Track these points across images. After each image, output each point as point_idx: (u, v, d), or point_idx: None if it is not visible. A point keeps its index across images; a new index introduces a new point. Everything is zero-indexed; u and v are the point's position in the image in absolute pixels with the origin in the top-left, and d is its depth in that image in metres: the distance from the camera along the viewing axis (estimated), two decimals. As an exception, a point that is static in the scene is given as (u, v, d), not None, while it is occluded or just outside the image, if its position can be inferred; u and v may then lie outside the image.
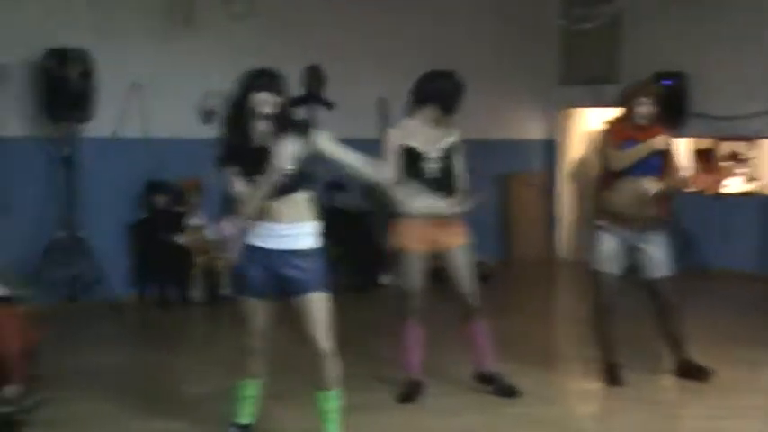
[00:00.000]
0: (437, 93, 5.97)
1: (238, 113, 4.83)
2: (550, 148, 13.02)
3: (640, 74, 11.40)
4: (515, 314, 8.99)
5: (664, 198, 6.37)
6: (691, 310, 7.27)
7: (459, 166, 6.10)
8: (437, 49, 11.08)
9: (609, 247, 6.39)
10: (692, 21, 11.27)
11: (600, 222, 6.44)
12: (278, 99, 4.79)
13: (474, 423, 5.70)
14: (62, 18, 8.93)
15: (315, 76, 10.47)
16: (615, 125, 6.44)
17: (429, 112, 5.97)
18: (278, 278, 4.87)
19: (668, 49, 11.29)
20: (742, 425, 5.70)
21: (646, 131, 6.32)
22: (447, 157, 6.01)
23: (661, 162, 6.34)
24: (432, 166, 5.94)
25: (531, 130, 12.93)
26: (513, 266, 12.13)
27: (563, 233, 13.03)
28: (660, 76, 11.18)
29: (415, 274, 6.00)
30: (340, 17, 10.80)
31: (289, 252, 4.83)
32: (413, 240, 5.95)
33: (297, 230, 4.84)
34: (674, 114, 11.19)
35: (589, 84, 12.13)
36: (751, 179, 11.56)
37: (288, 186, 4.76)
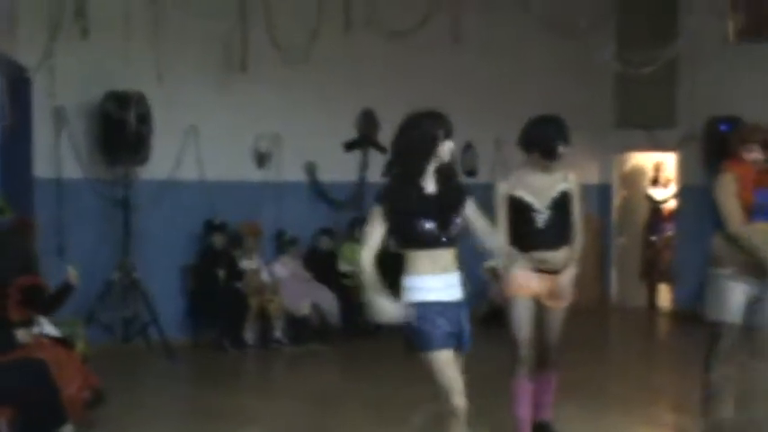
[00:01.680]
0: (537, 138, 5.83)
1: (420, 157, 4.67)
2: (605, 193, 13.03)
3: (697, 118, 11.49)
4: (573, 360, 8.93)
5: None
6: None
7: (575, 213, 5.89)
8: (491, 93, 11.18)
9: (736, 296, 5.88)
10: (748, 65, 11.23)
11: (725, 270, 5.91)
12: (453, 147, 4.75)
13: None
14: (121, 62, 9.05)
15: (369, 121, 10.60)
16: (744, 170, 5.91)
17: (533, 158, 5.85)
18: (456, 332, 4.65)
19: (725, 93, 11.24)
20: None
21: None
22: (558, 206, 5.80)
23: None
24: (541, 217, 5.76)
25: (586, 173, 12.89)
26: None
27: (615, 279, 13.04)
28: (717, 120, 11.19)
29: (525, 323, 5.78)
30: (392, 63, 10.88)
31: (461, 304, 4.70)
32: (523, 287, 5.77)
33: (459, 280, 4.71)
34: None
35: (645, 127, 12.13)
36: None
37: (458, 235, 4.68)
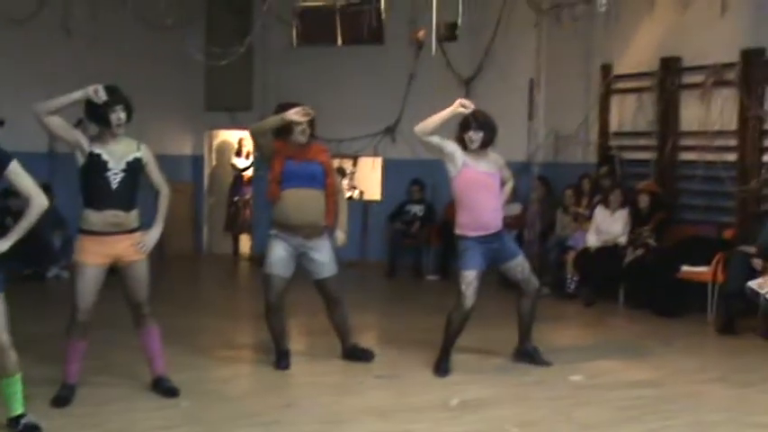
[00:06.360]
0: (92, 110, 5.00)
1: None
2: (198, 162, 12.90)
3: (269, 103, 11.67)
4: (170, 303, 8.67)
5: (329, 207, 5.95)
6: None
7: (154, 177, 5.21)
8: (97, 80, 10.53)
9: (279, 252, 5.90)
10: (311, 63, 11.62)
11: (271, 231, 5.95)
12: None
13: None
14: None
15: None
16: (278, 142, 5.89)
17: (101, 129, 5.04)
18: None
19: (292, 84, 11.54)
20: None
21: (305, 150, 5.92)
22: (130, 170, 5.05)
23: (323, 173, 5.94)
24: (114, 178, 4.99)
25: (182, 147, 12.74)
26: (167, 261, 11.76)
27: (206, 232, 13.03)
28: (285, 105, 11.43)
29: (87, 291, 5.01)
30: (8, 49, 10.10)
31: None
32: (90, 255, 5.01)
33: None
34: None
35: (228, 110, 12.17)
36: (353, 188, 12.13)
37: None
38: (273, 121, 5.89)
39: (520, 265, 6.13)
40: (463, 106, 5.79)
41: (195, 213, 12.85)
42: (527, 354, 6.36)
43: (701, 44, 8.87)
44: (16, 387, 4.58)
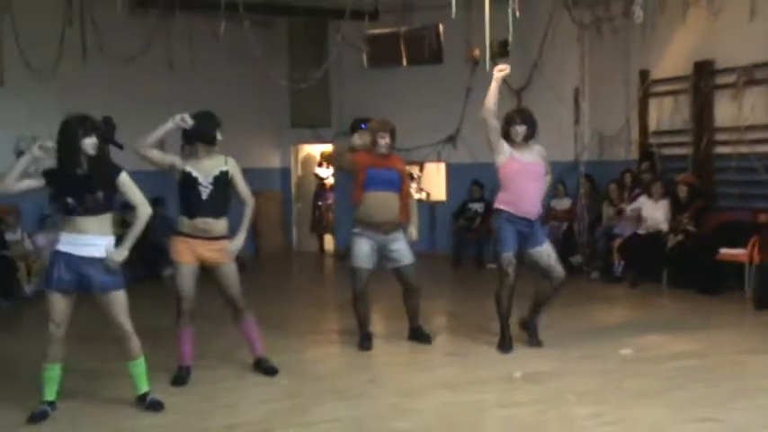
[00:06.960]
0: (197, 131, 5.13)
1: (71, 150, 4.41)
2: (286, 174, 13.10)
3: (345, 120, 11.80)
4: (264, 294, 8.86)
5: (404, 207, 6.06)
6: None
7: (240, 189, 5.28)
8: (197, 107, 10.79)
9: (363, 248, 6.02)
10: (380, 83, 11.67)
11: (355, 229, 6.03)
12: (98, 142, 4.46)
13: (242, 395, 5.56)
14: None
15: (108, 125, 10.00)
16: (361, 154, 6.03)
17: (196, 148, 5.17)
18: (82, 278, 4.51)
19: (364, 101, 11.65)
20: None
21: (385, 159, 6.04)
22: (218, 183, 5.17)
23: (400, 179, 6.04)
24: (204, 191, 5.14)
25: (272, 160, 12.96)
26: (263, 258, 12.05)
27: (295, 233, 13.20)
28: (359, 120, 11.55)
29: (186, 283, 5.18)
30: (120, 82, 10.32)
31: (93, 258, 4.50)
32: (181, 254, 5.19)
33: (100, 242, 4.51)
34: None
35: (310, 127, 12.32)
36: (420, 190, 12.14)
37: (97, 208, 4.49)
38: (346, 158, 6.15)
39: (545, 252, 5.99)
40: (500, 71, 5.69)
41: (285, 217, 13.05)
42: (528, 327, 6.20)
43: (732, 47, 8.64)
44: (140, 368, 4.76)
